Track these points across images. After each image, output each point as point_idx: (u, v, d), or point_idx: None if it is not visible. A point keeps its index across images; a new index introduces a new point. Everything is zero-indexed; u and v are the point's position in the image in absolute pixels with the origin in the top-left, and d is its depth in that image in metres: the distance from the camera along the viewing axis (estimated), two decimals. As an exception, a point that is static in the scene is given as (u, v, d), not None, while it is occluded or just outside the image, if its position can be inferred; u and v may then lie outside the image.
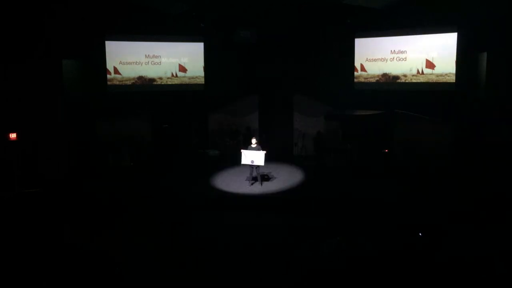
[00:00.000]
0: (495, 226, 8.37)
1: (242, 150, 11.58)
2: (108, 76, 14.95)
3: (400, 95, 13.81)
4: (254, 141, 11.79)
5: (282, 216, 9.74)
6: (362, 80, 14.96)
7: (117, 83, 15.14)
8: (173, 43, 15.61)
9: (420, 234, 7.81)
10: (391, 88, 14.37)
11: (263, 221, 9.48)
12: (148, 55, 15.44)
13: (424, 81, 13.89)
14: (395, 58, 14.39)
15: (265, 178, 12.35)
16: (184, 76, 15.89)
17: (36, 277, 6.65)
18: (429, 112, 12.93)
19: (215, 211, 10.15)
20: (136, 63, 15.31)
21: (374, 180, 12.19)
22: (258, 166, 11.59)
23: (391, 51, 14.42)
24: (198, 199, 10.84)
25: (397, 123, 13.22)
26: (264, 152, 11.46)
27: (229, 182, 12.16)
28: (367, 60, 14.82)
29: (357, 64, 14.98)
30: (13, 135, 11.86)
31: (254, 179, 11.86)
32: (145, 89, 15.41)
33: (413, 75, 14.12)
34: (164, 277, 6.88)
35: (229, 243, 8.20)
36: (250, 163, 11.49)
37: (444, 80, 13.50)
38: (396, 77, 14.41)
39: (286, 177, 12.62)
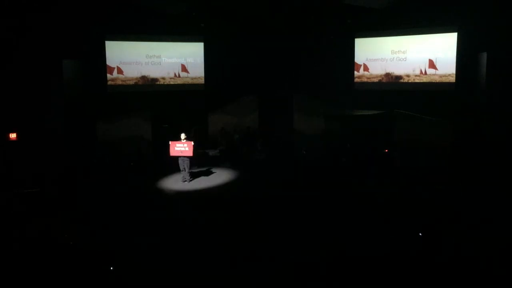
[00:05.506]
0: (495, 226, 8.37)
1: (170, 142, 11.64)
2: (111, 75, 14.97)
3: (400, 95, 13.81)
4: (183, 136, 11.70)
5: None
6: (365, 80, 14.96)
7: (120, 82, 15.16)
8: (175, 43, 15.63)
9: (420, 234, 7.80)
10: (391, 88, 14.38)
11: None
12: (150, 55, 15.46)
13: (427, 81, 13.89)
14: (396, 59, 14.40)
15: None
16: (187, 77, 15.91)
17: (35, 277, 6.65)
18: (429, 112, 12.94)
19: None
20: (138, 63, 15.33)
21: (374, 180, 12.18)
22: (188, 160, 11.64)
23: (393, 51, 14.43)
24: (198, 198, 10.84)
25: (397, 123, 13.21)
26: (192, 142, 11.58)
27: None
28: (369, 60, 14.83)
29: (360, 64, 14.98)
30: (13, 135, 11.86)
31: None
32: (145, 89, 15.42)
33: (416, 75, 14.12)
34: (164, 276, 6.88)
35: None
36: (180, 154, 11.57)
37: (447, 80, 13.49)
38: (399, 77, 14.41)
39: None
